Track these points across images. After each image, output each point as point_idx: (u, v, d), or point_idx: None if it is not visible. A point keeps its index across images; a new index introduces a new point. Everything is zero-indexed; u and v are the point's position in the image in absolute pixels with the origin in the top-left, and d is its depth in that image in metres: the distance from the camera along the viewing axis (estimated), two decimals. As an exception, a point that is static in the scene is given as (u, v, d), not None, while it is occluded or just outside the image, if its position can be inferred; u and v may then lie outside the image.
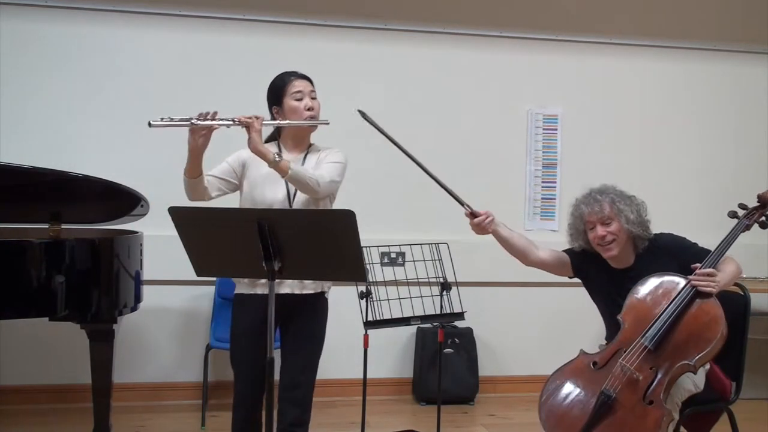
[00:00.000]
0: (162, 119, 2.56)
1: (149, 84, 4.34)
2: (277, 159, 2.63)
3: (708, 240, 2.93)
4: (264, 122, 2.70)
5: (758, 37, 4.97)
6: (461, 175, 4.68)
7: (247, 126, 2.65)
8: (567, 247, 3.06)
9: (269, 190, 2.78)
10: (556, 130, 4.83)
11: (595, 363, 2.74)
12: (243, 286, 2.84)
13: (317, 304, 2.85)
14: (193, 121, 2.59)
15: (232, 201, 2.86)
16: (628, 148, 4.88)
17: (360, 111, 2.81)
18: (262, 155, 2.65)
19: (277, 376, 2.53)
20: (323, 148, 2.91)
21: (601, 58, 4.85)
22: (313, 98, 2.85)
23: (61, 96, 4.26)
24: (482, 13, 4.70)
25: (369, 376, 3.34)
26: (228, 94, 4.43)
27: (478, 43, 4.70)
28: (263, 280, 2.74)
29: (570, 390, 2.72)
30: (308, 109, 2.80)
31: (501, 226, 2.96)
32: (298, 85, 2.82)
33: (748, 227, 2.86)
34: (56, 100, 4.26)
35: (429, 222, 4.57)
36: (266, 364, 2.36)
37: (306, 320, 2.83)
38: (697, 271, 2.68)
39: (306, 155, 2.86)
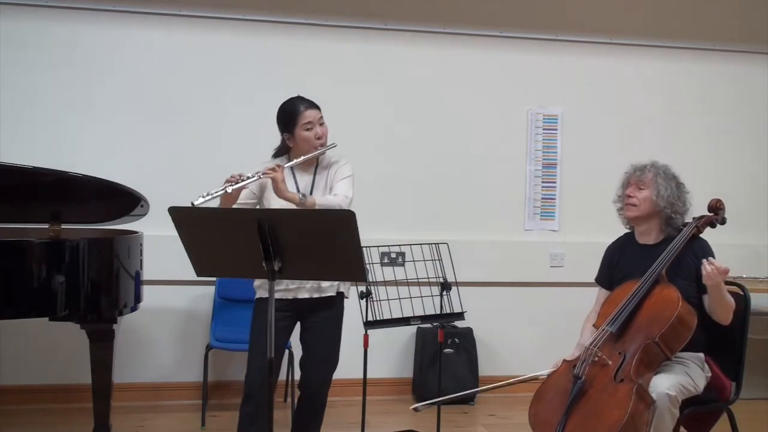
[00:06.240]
0: (203, 196, 2.69)
1: (149, 84, 4.34)
2: (303, 199, 2.85)
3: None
4: (285, 165, 2.91)
5: (758, 37, 4.97)
6: (461, 175, 4.71)
7: (272, 179, 2.84)
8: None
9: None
10: (556, 130, 4.83)
11: (574, 366, 2.81)
12: (262, 292, 2.99)
13: (332, 302, 3.03)
14: (227, 189, 2.75)
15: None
16: (627, 148, 4.85)
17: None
18: (289, 200, 2.85)
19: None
20: (332, 161, 3.07)
21: (601, 58, 4.85)
22: (321, 124, 3.02)
23: (61, 96, 4.26)
24: (482, 13, 4.70)
25: (369, 376, 3.33)
26: (228, 93, 4.44)
27: (478, 43, 4.70)
28: (281, 287, 2.91)
29: (551, 390, 2.83)
30: (318, 138, 2.97)
31: (576, 348, 3.01)
32: (308, 116, 2.99)
33: (698, 229, 2.98)
34: (56, 100, 4.25)
35: (429, 222, 4.57)
36: (265, 363, 2.37)
37: (323, 315, 3.01)
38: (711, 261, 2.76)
39: (315, 171, 3.05)
